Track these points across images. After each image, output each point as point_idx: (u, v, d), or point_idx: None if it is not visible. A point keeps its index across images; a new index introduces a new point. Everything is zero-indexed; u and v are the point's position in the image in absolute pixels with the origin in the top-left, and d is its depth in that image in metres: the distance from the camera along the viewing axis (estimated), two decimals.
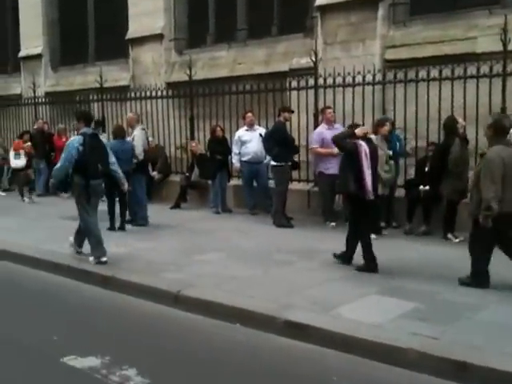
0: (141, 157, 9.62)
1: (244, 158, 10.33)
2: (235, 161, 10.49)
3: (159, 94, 12.30)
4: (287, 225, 9.21)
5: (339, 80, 9.58)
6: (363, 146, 6.51)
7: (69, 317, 5.66)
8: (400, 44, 9.57)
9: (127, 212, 9.51)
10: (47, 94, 15.53)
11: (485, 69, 8.20)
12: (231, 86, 11.06)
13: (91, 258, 7.21)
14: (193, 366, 4.48)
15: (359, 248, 6.69)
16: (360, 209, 6.67)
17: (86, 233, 7.35)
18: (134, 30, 13.50)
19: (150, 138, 10.99)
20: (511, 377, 3.97)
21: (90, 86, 13.69)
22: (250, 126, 10.37)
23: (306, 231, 8.85)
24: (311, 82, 10.01)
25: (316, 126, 9.73)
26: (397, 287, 5.90)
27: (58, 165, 7.37)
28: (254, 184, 10.48)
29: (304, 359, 4.54)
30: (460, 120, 7.88)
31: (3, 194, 13.76)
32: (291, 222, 9.35)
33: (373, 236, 7.33)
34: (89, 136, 7.26)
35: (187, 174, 11.53)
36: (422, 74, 8.71)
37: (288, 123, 9.67)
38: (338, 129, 8.73)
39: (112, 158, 7.63)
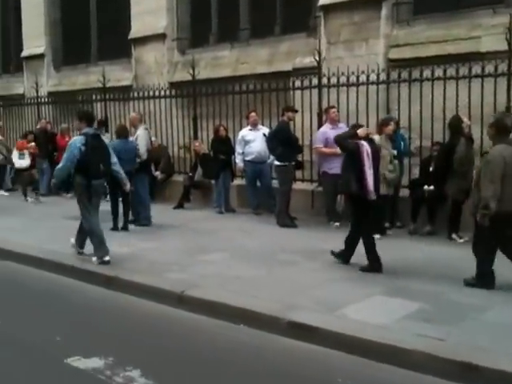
0: (144, 156, 9.61)
1: (247, 158, 10.31)
2: (238, 160, 10.46)
3: (162, 93, 12.27)
4: (291, 225, 9.18)
5: (343, 79, 9.54)
6: (365, 147, 6.52)
7: (72, 317, 5.64)
8: (403, 43, 9.52)
9: (130, 212, 9.49)
10: (50, 93, 15.53)
11: (490, 68, 8.16)
12: (234, 86, 11.02)
13: (94, 258, 7.20)
14: (197, 367, 4.46)
15: (362, 249, 6.66)
16: (362, 209, 6.68)
17: (88, 232, 7.34)
18: (137, 29, 13.48)
19: (153, 138, 10.98)
20: None
21: (92, 86, 13.69)
22: (254, 126, 10.35)
23: (310, 231, 8.83)
24: (315, 81, 9.97)
25: (320, 125, 9.69)
26: (401, 287, 5.87)
27: (60, 165, 7.37)
28: (258, 184, 10.46)
29: (308, 360, 4.52)
30: (465, 119, 7.85)
31: (6, 193, 13.74)
32: (295, 221, 9.32)
33: (377, 236, 7.32)
34: (91, 136, 7.26)
35: (190, 174, 11.50)
36: (427, 73, 8.68)
37: (292, 123, 9.64)
38: (342, 128, 8.69)
39: (114, 158, 7.63)
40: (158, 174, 11.81)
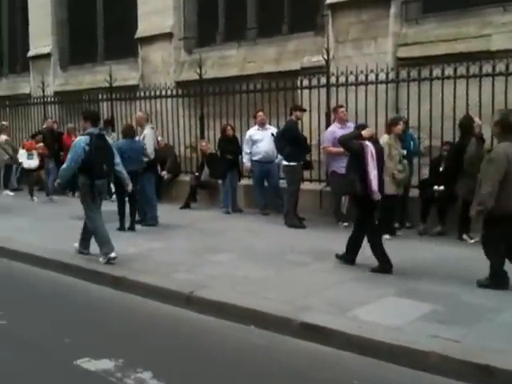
0: (152, 156, 9.55)
1: (255, 158, 10.24)
2: (245, 160, 10.39)
3: (169, 93, 12.22)
4: (299, 225, 9.10)
5: (352, 78, 9.47)
6: (369, 147, 6.50)
7: (80, 318, 5.58)
8: (412, 42, 9.45)
9: (137, 212, 9.43)
10: (56, 93, 15.51)
11: (501, 67, 8.08)
12: (241, 85, 10.97)
13: (101, 259, 7.15)
14: (207, 368, 4.39)
15: (369, 250, 6.58)
16: (366, 209, 6.64)
17: (93, 232, 7.30)
18: (144, 28, 13.44)
19: (160, 138, 10.93)
20: None
21: (99, 86, 13.67)
22: (262, 125, 10.28)
23: (318, 231, 8.75)
24: (323, 80, 9.90)
25: (328, 124, 9.62)
26: (413, 289, 5.80)
27: (65, 165, 7.36)
28: (265, 184, 10.38)
29: (322, 362, 4.45)
30: (476, 119, 7.73)
31: (12, 193, 13.71)
32: (303, 222, 9.24)
33: (387, 236, 7.24)
34: (95, 136, 7.23)
35: (197, 174, 11.45)
36: (437, 72, 8.60)
37: (300, 122, 9.57)
38: (351, 128, 8.56)
39: (117, 159, 7.61)
40: (164, 173, 11.75)
